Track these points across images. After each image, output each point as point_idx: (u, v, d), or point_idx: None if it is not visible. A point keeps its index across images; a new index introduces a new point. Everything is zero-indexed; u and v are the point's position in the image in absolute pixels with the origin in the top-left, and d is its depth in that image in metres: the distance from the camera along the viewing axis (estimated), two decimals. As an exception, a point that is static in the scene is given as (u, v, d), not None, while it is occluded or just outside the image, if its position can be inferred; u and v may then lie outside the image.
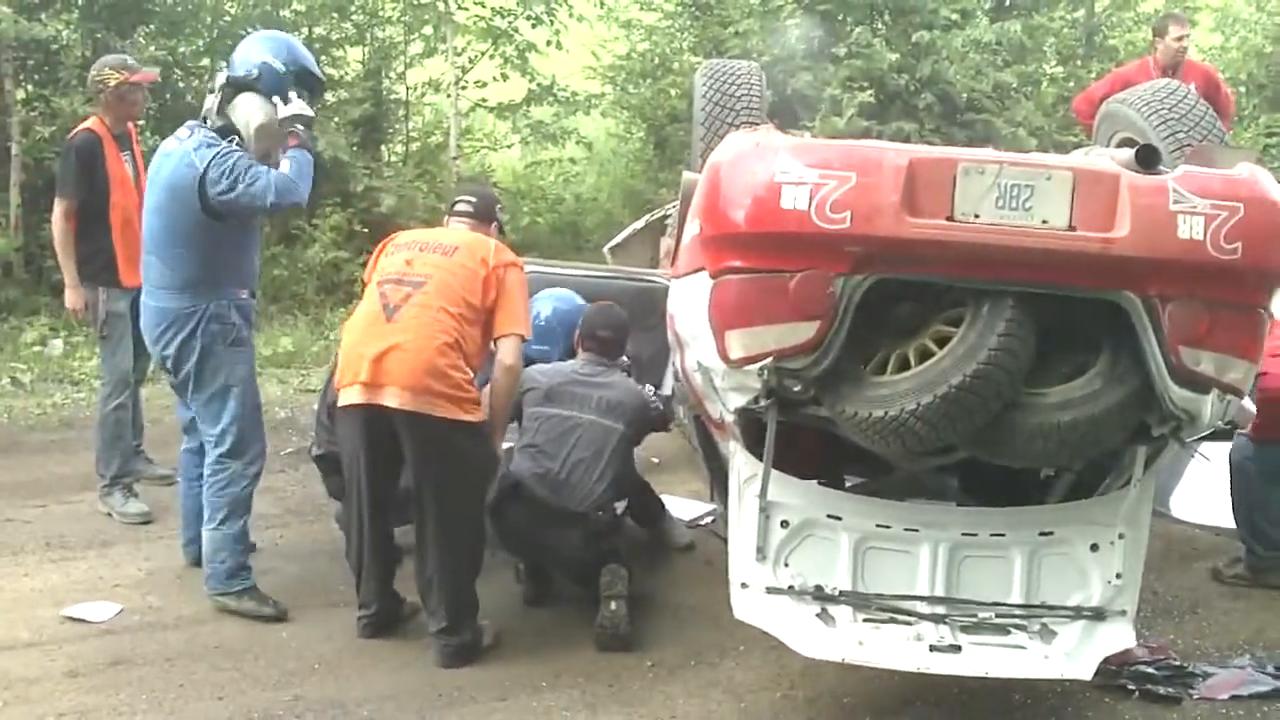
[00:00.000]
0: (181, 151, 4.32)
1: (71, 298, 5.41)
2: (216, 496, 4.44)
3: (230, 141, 4.28)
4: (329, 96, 9.71)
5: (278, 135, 4.37)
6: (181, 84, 10.13)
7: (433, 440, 3.97)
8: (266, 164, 4.32)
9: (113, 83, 5.36)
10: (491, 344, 4.18)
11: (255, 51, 4.43)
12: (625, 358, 4.84)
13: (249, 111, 4.35)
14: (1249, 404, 4.27)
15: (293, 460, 6.26)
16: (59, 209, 5.36)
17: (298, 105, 4.38)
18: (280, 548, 5.12)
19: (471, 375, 4.06)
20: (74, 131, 5.50)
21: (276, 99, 4.36)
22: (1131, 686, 3.99)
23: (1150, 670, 4.06)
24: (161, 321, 4.43)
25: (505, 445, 4.57)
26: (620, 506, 4.58)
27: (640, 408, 4.64)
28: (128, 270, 5.36)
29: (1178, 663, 4.15)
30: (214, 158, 4.23)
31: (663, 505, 5.21)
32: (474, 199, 4.49)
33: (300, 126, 4.37)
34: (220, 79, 4.42)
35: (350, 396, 4.04)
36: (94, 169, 5.33)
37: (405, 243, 4.29)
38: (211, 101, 4.40)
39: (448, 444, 3.98)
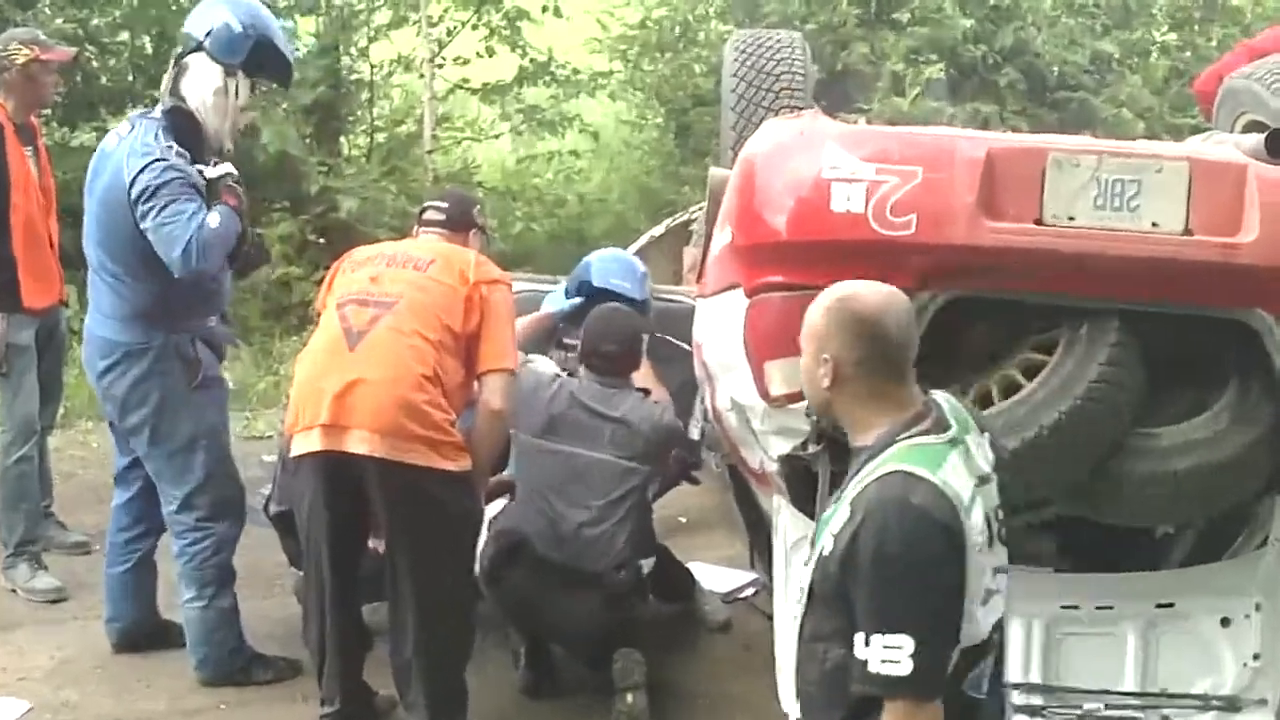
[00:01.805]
0: (118, 154, 4.37)
1: None
2: (200, 569, 4.52)
3: (170, 149, 4.30)
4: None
5: (234, 113, 4.47)
6: (95, 63, 10.23)
7: (408, 494, 3.98)
8: (224, 146, 4.44)
9: (20, 60, 5.31)
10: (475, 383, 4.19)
11: (211, 11, 4.51)
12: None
13: (198, 78, 4.42)
14: None
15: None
16: None
17: (225, 168, 4.45)
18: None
19: (453, 416, 4.07)
20: None
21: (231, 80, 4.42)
22: (1276, 794, 4.00)
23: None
24: (107, 355, 4.48)
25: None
26: (646, 565, 4.58)
27: (662, 438, 4.61)
28: (32, 291, 5.33)
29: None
30: (142, 169, 4.25)
31: (691, 576, 5.23)
32: (445, 204, 4.55)
33: (236, 184, 4.43)
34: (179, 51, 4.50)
35: (307, 443, 4.04)
36: None
37: (368, 257, 4.30)
38: (167, 79, 4.47)
39: (426, 498, 3.99)
